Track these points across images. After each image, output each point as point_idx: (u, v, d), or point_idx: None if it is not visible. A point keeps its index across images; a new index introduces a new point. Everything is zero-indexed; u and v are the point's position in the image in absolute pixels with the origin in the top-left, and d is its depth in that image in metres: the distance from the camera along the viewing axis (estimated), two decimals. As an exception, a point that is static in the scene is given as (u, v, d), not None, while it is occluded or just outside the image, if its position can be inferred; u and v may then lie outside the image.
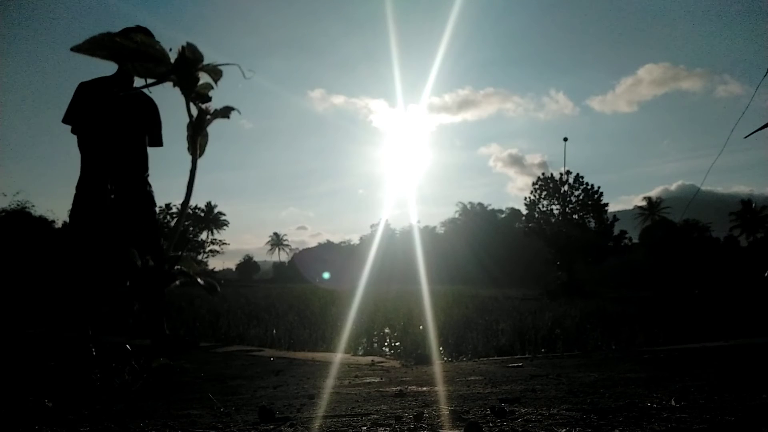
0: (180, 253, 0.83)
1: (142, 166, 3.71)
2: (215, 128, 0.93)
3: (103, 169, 3.50)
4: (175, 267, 0.83)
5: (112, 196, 3.52)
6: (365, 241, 71.53)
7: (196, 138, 0.89)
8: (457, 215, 71.26)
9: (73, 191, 3.51)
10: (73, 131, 3.51)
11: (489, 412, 1.48)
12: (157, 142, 3.85)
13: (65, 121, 3.48)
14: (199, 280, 0.85)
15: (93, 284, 3.21)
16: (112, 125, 3.53)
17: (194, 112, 0.88)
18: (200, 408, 1.72)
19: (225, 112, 0.90)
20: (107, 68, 3.64)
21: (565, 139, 30.24)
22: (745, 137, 2.14)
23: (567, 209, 30.66)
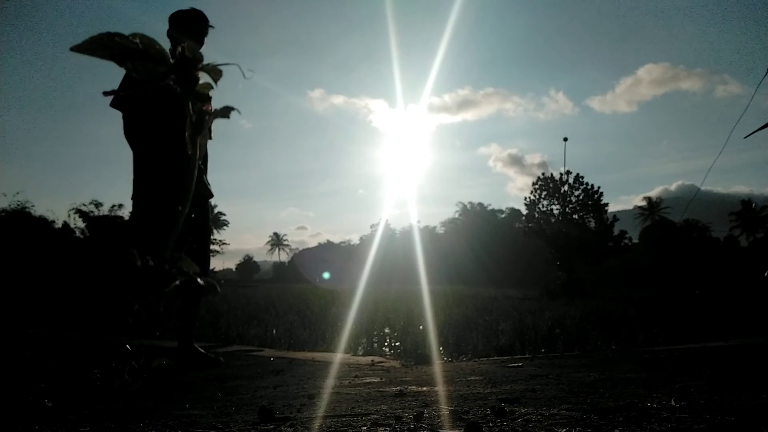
0: (180, 253, 0.83)
1: (203, 159, 3.39)
2: (215, 128, 0.94)
3: (171, 163, 3.06)
4: (175, 267, 0.83)
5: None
6: (365, 241, 71.54)
7: (196, 138, 0.89)
8: (457, 215, 71.29)
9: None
10: (124, 118, 3.12)
11: (489, 412, 1.48)
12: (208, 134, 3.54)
13: (114, 105, 3.06)
14: (199, 280, 0.85)
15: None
16: (173, 112, 3.02)
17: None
18: (200, 408, 1.72)
19: (225, 112, 0.89)
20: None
21: (565, 139, 30.23)
22: (745, 137, 2.14)
23: (567, 209, 30.67)
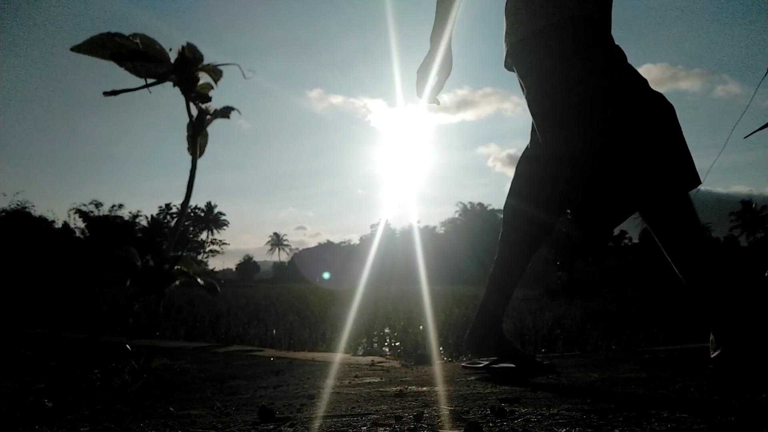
0: (180, 253, 0.83)
1: None
2: (215, 128, 0.94)
3: None
4: (175, 267, 0.83)
5: None
6: (365, 241, 71.70)
7: (196, 138, 0.89)
8: (457, 215, 71.45)
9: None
10: None
11: (489, 412, 1.48)
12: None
13: None
14: (199, 280, 0.85)
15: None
16: None
17: (194, 112, 0.88)
18: (200, 408, 1.72)
19: (225, 112, 0.90)
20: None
21: (565, 139, 30.20)
22: (745, 137, 2.15)
23: (567, 209, 30.70)
